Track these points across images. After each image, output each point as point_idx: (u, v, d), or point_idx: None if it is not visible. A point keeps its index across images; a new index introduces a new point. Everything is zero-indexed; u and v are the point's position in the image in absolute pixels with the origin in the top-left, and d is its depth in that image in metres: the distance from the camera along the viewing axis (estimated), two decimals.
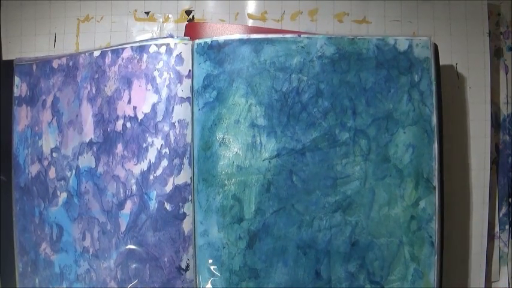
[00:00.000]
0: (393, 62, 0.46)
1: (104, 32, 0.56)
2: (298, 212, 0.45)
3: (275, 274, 0.45)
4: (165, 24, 0.56)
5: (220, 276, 0.45)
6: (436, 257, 0.45)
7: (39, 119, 0.51)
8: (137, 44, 0.47)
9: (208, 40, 0.46)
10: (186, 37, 0.47)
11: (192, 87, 0.46)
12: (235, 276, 0.45)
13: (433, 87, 0.45)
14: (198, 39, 0.47)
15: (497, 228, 0.57)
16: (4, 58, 0.57)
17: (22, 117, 0.52)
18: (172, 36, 0.55)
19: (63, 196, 0.49)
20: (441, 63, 0.49)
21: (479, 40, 0.55)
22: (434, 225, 0.45)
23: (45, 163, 0.51)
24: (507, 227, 0.57)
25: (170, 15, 0.56)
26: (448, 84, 0.55)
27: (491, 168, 0.55)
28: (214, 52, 0.46)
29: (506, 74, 0.58)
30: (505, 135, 0.58)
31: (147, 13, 0.56)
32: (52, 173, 0.50)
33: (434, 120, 0.45)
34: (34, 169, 0.51)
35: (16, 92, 0.53)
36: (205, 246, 0.45)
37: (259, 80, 0.46)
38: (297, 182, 0.45)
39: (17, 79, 0.53)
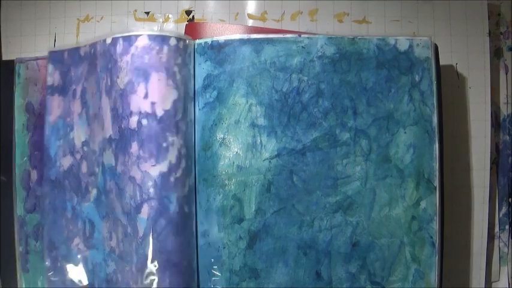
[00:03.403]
0: (394, 62, 0.46)
1: (104, 32, 0.56)
2: (298, 212, 0.45)
3: (275, 274, 0.45)
4: (165, 24, 0.56)
5: (221, 276, 0.45)
6: (437, 257, 0.45)
7: (70, 109, 0.48)
8: (155, 33, 0.44)
9: (209, 40, 0.46)
10: None
11: (193, 87, 0.46)
12: (235, 276, 0.45)
13: (434, 87, 0.45)
14: (198, 39, 0.47)
15: (497, 228, 0.57)
16: (4, 58, 0.57)
17: (54, 107, 0.49)
18: None
19: (93, 192, 0.47)
20: (441, 63, 0.49)
21: (479, 40, 0.55)
22: (435, 225, 0.45)
23: (78, 156, 0.48)
24: (507, 227, 0.57)
25: (170, 15, 0.56)
26: (448, 84, 0.55)
27: (491, 168, 0.55)
28: (215, 52, 0.46)
29: (506, 74, 0.58)
30: (505, 135, 0.58)
31: (147, 13, 0.56)
32: (84, 167, 0.47)
33: (435, 120, 0.45)
34: (66, 162, 0.48)
35: (49, 80, 0.49)
36: (206, 246, 0.45)
37: (260, 80, 0.46)
38: (298, 182, 0.45)
39: (50, 67, 0.49)
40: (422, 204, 0.45)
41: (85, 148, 0.47)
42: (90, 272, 0.47)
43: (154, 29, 0.56)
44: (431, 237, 0.45)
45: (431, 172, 0.45)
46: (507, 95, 0.58)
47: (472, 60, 0.55)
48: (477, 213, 0.55)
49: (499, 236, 0.57)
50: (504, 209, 0.57)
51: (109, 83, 0.44)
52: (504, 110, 0.58)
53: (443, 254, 0.46)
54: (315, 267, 0.45)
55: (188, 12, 0.56)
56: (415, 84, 0.46)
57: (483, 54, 0.55)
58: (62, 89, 0.48)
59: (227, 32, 0.52)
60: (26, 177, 0.51)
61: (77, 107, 0.48)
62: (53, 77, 0.49)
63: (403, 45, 0.46)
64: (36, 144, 0.51)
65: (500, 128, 0.58)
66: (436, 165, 0.45)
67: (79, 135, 0.47)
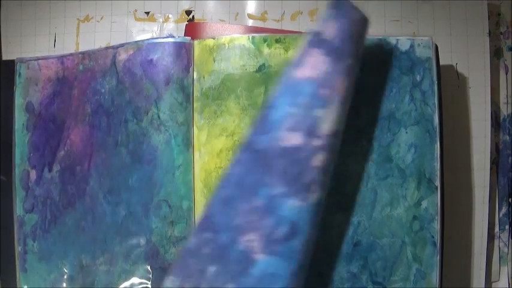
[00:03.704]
0: (395, 62, 0.46)
1: (104, 32, 0.56)
2: None
3: None
4: (165, 24, 0.56)
5: None
6: (438, 257, 0.45)
7: (331, 77, 0.35)
8: None
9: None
10: (187, 37, 0.47)
11: None
12: None
13: (435, 87, 0.45)
14: (198, 39, 0.47)
15: (497, 228, 0.57)
16: (4, 58, 0.57)
17: (310, 61, 0.36)
18: (172, 36, 0.55)
19: (316, 195, 0.35)
20: (441, 63, 0.49)
21: (479, 40, 0.55)
22: (437, 225, 0.45)
23: (317, 143, 0.35)
24: (507, 227, 0.57)
25: (170, 15, 0.56)
26: (448, 84, 0.55)
27: (491, 168, 0.55)
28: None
29: (506, 74, 0.58)
30: (505, 135, 0.58)
31: (147, 13, 0.56)
32: (317, 160, 0.35)
33: (436, 120, 0.45)
34: (293, 139, 0.35)
35: (322, 28, 0.37)
36: None
37: None
38: None
39: (328, 14, 0.38)
40: (424, 204, 0.45)
41: (331, 139, 0.36)
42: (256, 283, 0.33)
43: (154, 29, 0.56)
44: (433, 237, 0.45)
45: (432, 172, 0.45)
46: (507, 95, 0.58)
47: (472, 60, 0.55)
48: (477, 213, 0.55)
49: (499, 236, 0.57)
50: (504, 209, 0.57)
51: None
52: (504, 110, 0.58)
53: (443, 253, 0.46)
54: (316, 267, 0.45)
55: (188, 12, 0.56)
56: (416, 84, 0.45)
57: (483, 54, 0.55)
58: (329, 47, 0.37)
59: (227, 32, 0.52)
60: (25, 177, 0.51)
61: (340, 81, 0.36)
62: (325, 27, 0.37)
63: (404, 45, 0.46)
64: (35, 144, 0.51)
65: (500, 128, 0.58)
66: (437, 165, 0.45)
67: (328, 118, 0.35)
